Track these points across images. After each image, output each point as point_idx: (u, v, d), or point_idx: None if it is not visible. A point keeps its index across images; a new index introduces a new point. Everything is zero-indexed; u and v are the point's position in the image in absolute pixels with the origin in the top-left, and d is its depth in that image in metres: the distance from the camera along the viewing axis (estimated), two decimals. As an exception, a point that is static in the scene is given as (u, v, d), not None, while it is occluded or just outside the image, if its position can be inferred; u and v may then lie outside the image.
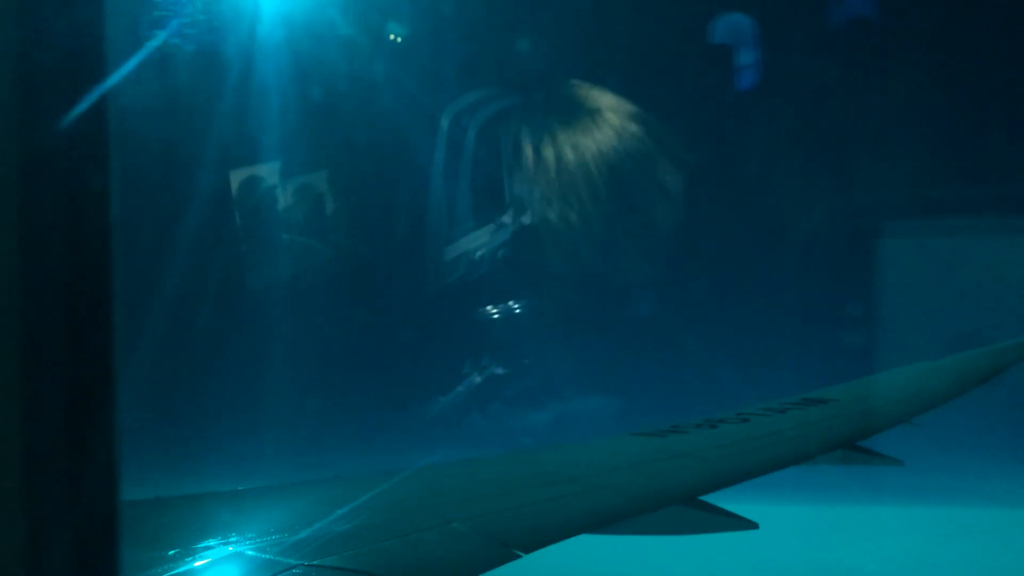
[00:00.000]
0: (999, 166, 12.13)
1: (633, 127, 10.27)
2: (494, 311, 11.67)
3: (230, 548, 3.07)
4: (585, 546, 4.17)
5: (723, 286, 11.65)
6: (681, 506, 4.22)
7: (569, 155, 10.51)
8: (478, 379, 11.84)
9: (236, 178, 10.03)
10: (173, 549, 2.97)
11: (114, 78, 1.21)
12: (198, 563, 2.91)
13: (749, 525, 4.32)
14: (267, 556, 2.99)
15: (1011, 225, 11.51)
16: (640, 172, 10.71)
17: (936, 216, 11.67)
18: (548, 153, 10.63)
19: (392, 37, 10.02)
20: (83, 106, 1.18)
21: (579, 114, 10.44)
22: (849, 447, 5.21)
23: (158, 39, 8.03)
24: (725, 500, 4.40)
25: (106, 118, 1.21)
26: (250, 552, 3.03)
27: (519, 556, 3.33)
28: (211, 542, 3.10)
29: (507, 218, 11.12)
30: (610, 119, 10.26)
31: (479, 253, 11.40)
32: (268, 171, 10.32)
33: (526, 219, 11.02)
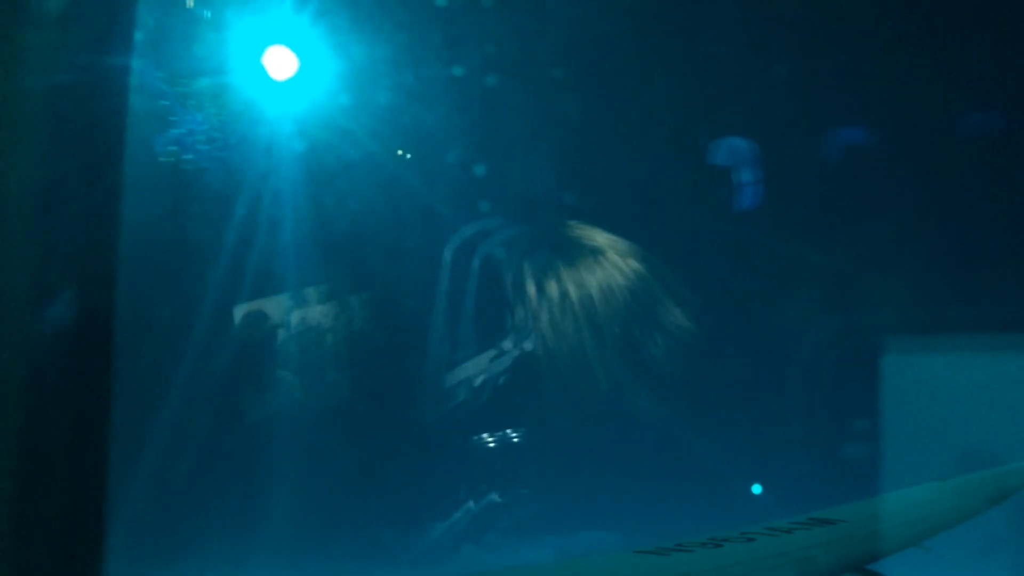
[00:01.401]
0: (1009, 282, 12.24)
1: (635, 264, 10.62)
2: (492, 439, 11.63)
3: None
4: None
5: (727, 408, 11.61)
6: (684, 631, 4.10)
7: (572, 287, 10.78)
8: (474, 507, 11.67)
9: (237, 311, 10.15)
10: None
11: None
12: None
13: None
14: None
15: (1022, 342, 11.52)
16: (642, 307, 10.89)
17: (946, 332, 11.70)
18: (551, 284, 10.88)
19: (400, 152, 10.32)
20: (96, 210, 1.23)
21: (582, 249, 10.79)
22: (858, 570, 5.09)
23: (169, 153, 8.24)
24: (730, 624, 4.28)
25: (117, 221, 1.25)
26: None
27: None
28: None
29: (508, 345, 11.26)
30: (612, 256, 10.67)
31: (479, 380, 11.43)
32: (270, 303, 10.45)
33: (528, 347, 11.13)
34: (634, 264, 10.78)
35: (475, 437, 11.80)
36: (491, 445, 11.78)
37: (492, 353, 11.79)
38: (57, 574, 1.11)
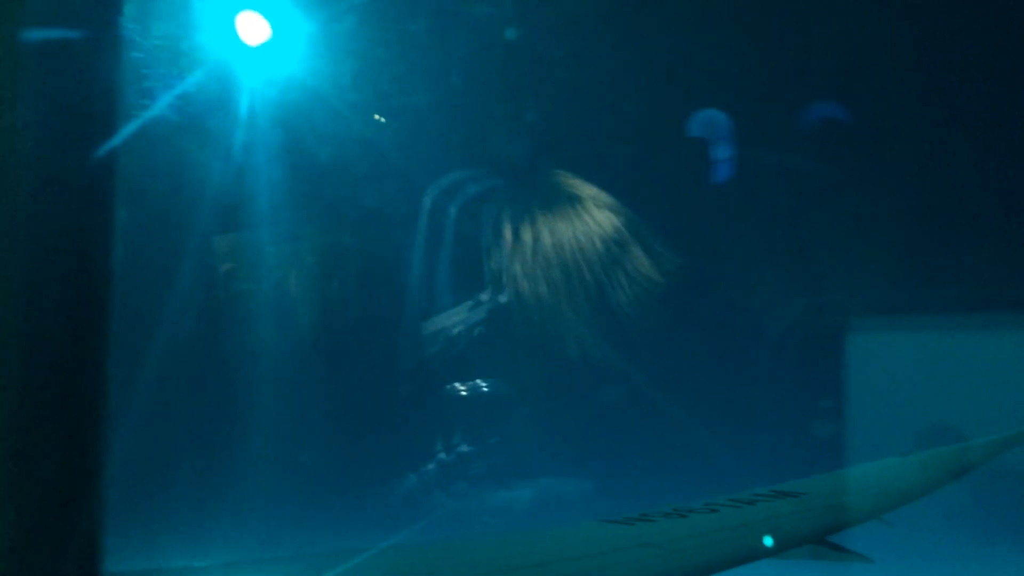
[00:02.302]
0: (975, 262, 12.38)
1: (611, 217, 10.58)
2: (465, 389, 11.64)
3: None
4: (546, 637, 4.04)
5: (695, 376, 11.69)
6: (647, 599, 4.12)
7: (548, 238, 10.72)
8: (446, 457, 11.71)
9: (217, 245, 10.08)
10: None
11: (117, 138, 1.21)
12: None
13: (715, 621, 4.21)
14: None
15: (985, 321, 11.68)
16: (618, 259, 10.89)
17: (910, 311, 11.83)
18: (528, 235, 10.83)
19: (377, 117, 10.26)
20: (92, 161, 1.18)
21: (559, 202, 10.73)
22: (819, 542, 5.15)
23: (149, 110, 8.13)
24: (692, 593, 4.31)
25: (113, 176, 1.21)
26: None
27: (477, 646, 3.21)
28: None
29: (485, 296, 11.22)
30: (588, 209, 10.61)
31: (456, 330, 11.43)
32: (247, 240, 10.37)
33: (503, 298, 11.11)
34: (610, 218, 10.75)
35: (447, 386, 11.81)
36: (463, 394, 11.80)
37: (469, 304, 11.76)
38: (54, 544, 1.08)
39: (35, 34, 1.16)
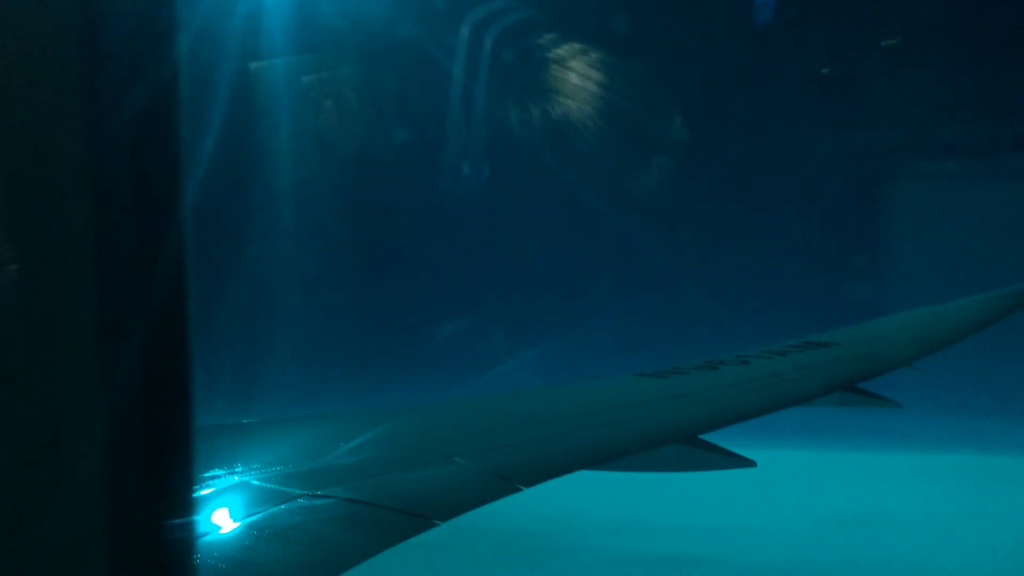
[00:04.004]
0: (1010, 111, 11.98)
1: (628, 68, 10.40)
2: (496, 226, 11.70)
3: (235, 478, 3.12)
4: (585, 482, 4.24)
5: (728, 231, 11.65)
6: (680, 445, 4.27)
7: (569, 87, 10.56)
8: (480, 309, 11.91)
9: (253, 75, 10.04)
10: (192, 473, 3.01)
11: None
12: (204, 492, 2.96)
13: (747, 463, 4.37)
14: (272, 486, 3.04)
15: (1018, 170, 11.41)
16: (641, 105, 10.69)
17: (943, 160, 11.57)
18: (553, 83, 10.66)
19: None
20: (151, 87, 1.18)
21: (585, 43, 10.50)
22: (849, 389, 5.25)
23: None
24: (724, 440, 4.45)
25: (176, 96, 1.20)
26: (255, 482, 3.09)
27: (519, 490, 3.38)
28: (217, 472, 3.15)
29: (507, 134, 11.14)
30: (610, 59, 10.40)
31: (482, 160, 11.36)
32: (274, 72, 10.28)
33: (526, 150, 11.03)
34: (627, 69, 10.48)
35: (476, 234, 11.92)
36: (494, 228, 11.85)
37: (489, 161, 11.66)
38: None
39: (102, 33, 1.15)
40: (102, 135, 1.16)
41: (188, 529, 1.20)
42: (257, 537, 2.65)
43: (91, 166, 1.15)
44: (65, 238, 1.14)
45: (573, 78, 10.65)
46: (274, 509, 2.84)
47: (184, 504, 1.20)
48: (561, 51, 10.61)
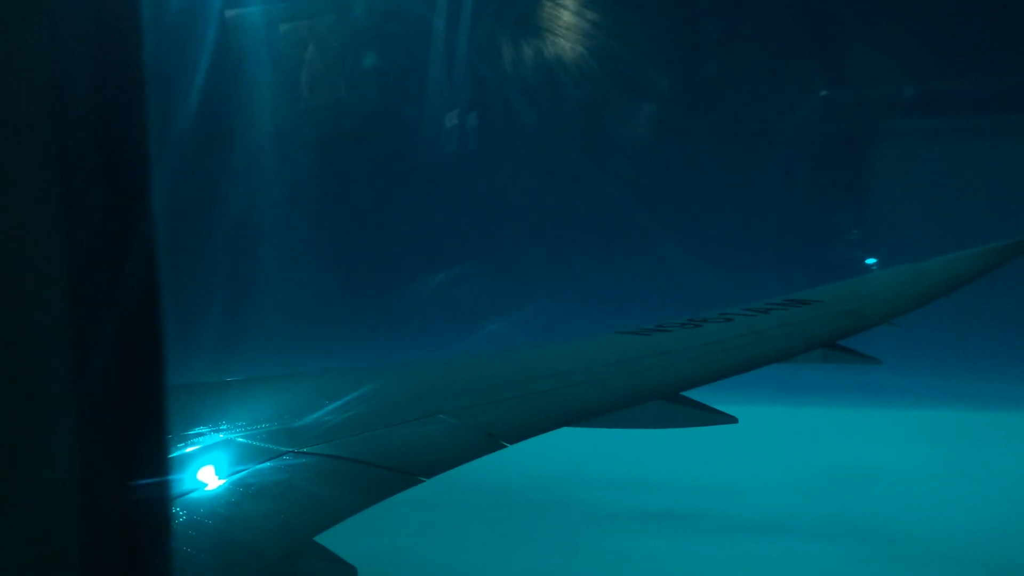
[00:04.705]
0: (991, 70, 11.94)
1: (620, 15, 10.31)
2: (486, 180, 11.66)
3: (221, 435, 3.13)
4: (569, 439, 4.28)
5: (712, 189, 11.63)
6: (663, 401, 4.31)
7: (561, 40, 10.47)
8: (463, 269, 11.92)
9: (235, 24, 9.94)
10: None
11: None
12: (190, 449, 2.97)
13: (729, 420, 4.42)
14: (258, 443, 3.06)
15: (998, 127, 11.40)
16: (625, 59, 10.62)
17: (923, 119, 11.54)
18: (543, 34, 10.58)
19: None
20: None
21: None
22: (830, 346, 5.30)
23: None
24: (707, 397, 4.49)
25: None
26: (241, 439, 3.10)
27: (504, 447, 3.41)
28: (203, 429, 3.16)
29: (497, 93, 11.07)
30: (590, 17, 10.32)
31: (471, 125, 11.29)
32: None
33: (517, 97, 10.97)
34: (610, 16, 10.38)
35: (469, 178, 11.87)
36: (483, 182, 11.83)
37: (476, 112, 11.55)
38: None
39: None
40: (68, 120, 1.14)
41: (162, 488, 1.20)
42: (242, 493, 2.67)
43: (58, 145, 1.13)
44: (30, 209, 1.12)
45: (556, 22, 10.53)
46: (260, 466, 2.86)
47: (157, 463, 1.20)
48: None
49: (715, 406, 4.46)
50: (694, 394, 4.47)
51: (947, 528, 12.93)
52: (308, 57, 10.81)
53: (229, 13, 9.63)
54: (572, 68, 10.71)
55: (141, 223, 1.21)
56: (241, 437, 3.12)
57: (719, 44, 11.69)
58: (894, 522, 13.30)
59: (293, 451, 3.00)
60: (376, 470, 3.01)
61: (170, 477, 1.21)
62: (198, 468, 2.85)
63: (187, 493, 2.62)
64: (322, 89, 11.08)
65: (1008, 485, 14.37)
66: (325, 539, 2.74)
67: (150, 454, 1.19)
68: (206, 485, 2.76)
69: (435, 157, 11.79)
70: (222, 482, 2.77)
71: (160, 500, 1.20)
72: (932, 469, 15.63)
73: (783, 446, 17.14)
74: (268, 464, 2.88)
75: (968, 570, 11.54)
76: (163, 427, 1.22)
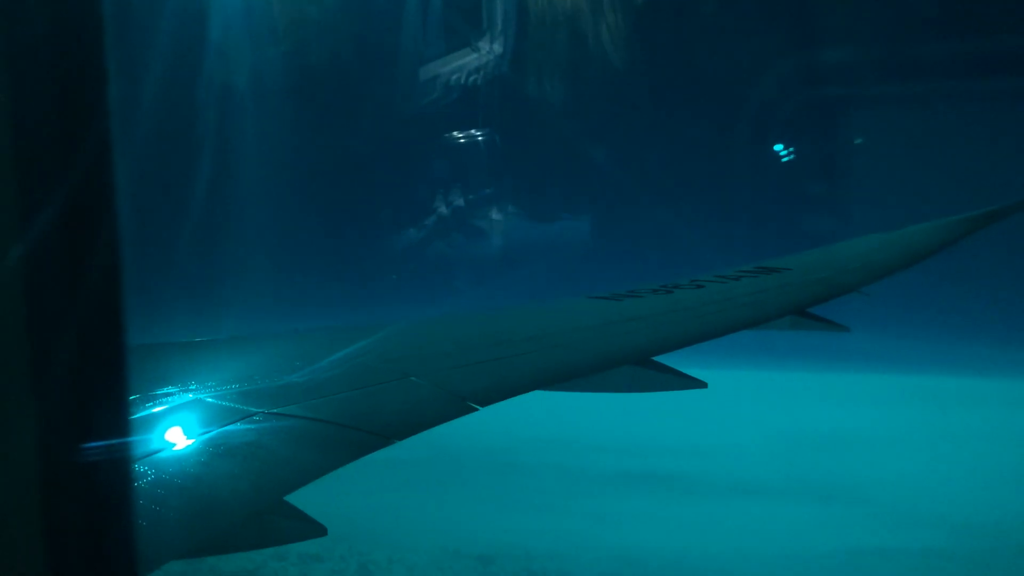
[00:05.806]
0: (971, 33, 11.93)
1: None
2: (462, 137, 11.62)
3: (191, 395, 3.12)
4: (540, 402, 4.31)
5: (685, 157, 11.64)
6: (634, 366, 4.34)
7: None
8: (444, 209, 11.91)
9: None
10: (133, 395, 3.01)
11: None
12: (158, 409, 2.96)
13: (698, 384, 4.47)
14: (228, 404, 3.05)
15: (970, 93, 11.43)
16: (603, 27, 10.55)
17: (895, 85, 11.56)
18: None
19: None
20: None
21: None
22: (800, 313, 5.35)
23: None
24: (677, 362, 4.53)
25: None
26: (210, 400, 3.09)
27: (475, 409, 3.42)
28: (171, 389, 3.14)
29: (483, 44, 10.98)
30: None
31: (452, 78, 11.20)
32: None
33: (499, 48, 10.87)
34: None
35: (445, 135, 11.81)
36: (461, 141, 11.81)
37: (465, 51, 11.44)
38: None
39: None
40: (26, 116, 1.12)
41: (123, 448, 1.20)
42: (212, 454, 2.67)
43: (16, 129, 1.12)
44: None
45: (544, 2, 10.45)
46: (230, 427, 2.85)
47: (118, 423, 1.20)
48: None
49: (686, 371, 4.50)
50: (665, 359, 4.51)
51: (916, 489, 13.23)
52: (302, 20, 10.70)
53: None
54: (557, 38, 10.63)
55: (104, 175, 1.20)
56: (211, 397, 3.12)
57: (686, 6, 11.64)
58: (862, 486, 13.59)
59: (264, 411, 3.00)
60: (347, 431, 3.02)
61: (132, 437, 1.21)
62: (166, 428, 2.84)
63: (155, 453, 2.61)
64: (314, 53, 10.95)
65: (975, 447, 14.72)
66: (296, 499, 2.75)
67: (111, 414, 1.19)
68: (174, 445, 2.76)
69: (421, 120, 11.69)
70: (191, 442, 2.77)
71: (121, 460, 1.20)
72: (898, 432, 15.97)
73: (752, 410, 17.39)
74: (238, 424, 2.88)
75: (937, 531, 11.85)
76: (124, 387, 1.21)
